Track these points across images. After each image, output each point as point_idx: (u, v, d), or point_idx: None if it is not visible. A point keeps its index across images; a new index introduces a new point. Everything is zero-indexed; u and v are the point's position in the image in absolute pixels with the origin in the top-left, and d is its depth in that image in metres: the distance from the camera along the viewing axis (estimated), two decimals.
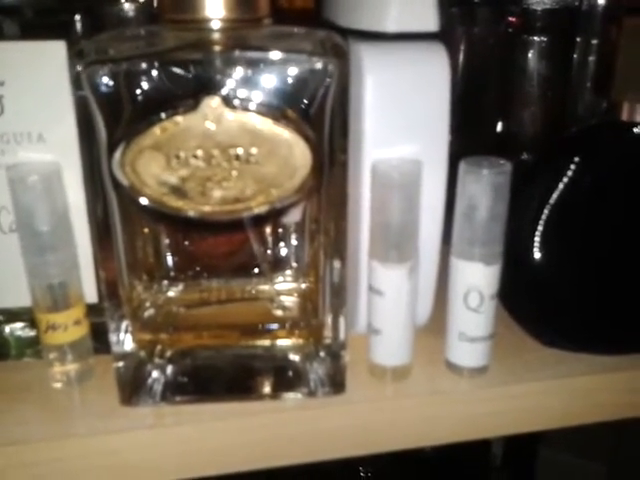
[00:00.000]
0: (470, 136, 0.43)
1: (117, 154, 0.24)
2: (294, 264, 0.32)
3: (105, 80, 0.24)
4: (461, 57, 0.45)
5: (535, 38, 0.41)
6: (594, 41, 0.41)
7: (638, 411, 0.33)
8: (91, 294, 0.31)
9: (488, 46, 0.44)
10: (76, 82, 0.24)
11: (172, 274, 0.32)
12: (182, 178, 0.25)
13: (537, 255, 0.32)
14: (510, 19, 0.42)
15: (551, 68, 0.41)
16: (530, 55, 0.41)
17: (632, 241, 0.32)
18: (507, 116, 0.43)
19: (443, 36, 0.30)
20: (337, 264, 0.29)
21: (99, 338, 0.31)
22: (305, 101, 0.25)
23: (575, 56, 0.42)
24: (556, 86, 0.42)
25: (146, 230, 0.30)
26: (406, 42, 0.29)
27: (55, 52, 0.27)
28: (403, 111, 0.29)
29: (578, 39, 0.42)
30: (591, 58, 0.41)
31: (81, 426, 0.28)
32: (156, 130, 0.24)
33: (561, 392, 0.31)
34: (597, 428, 0.33)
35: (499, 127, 0.44)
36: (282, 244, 0.32)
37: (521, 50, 0.41)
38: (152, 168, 0.24)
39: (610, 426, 0.34)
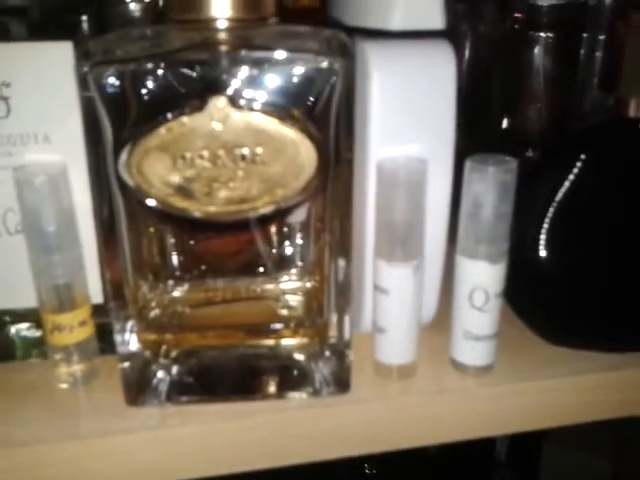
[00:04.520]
0: (475, 133, 0.43)
1: (123, 155, 0.24)
2: (299, 263, 0.32)
3: (111, 80, 0.24)
4: (466, 54, 0.45)
5: (541, 34, 0.40)
6: (601, 37, 0.41)
7: None
8: (97, 294, 0.31)
9: (494, 43, 0.44)
10: (82, 83, 0.24)
11: (177, 274, 0.32)
12: (188, 179, 0.25)
13: (543, 253, 0.32)
14: (516, 15, 0.41)
15: (557, 65, 0.41)
16: (536, 51, 0.41)
17: (638, 239, 0.31)
18: (513, 113, 0.43)
19: (448, 33, 0.30)
20: (342, 263, 0.29)
21: (105, 338, 0.31)
22: (311, 100, 0.25)
23: (582, 52, 0.42)
24: (562, 83, 0.42)
25: (152, 230, 0.30)
26: (412, 40, 0.29)
27: (62, 53, 0.27)
28: (409, 109, 0.28)
29: (585, 35, 0.42)
30: (598, 54, 0.41)
31: (86, 427, 0.28)
32: (162, 131, 0.24)
33: (568, 390, 0.31)
34: (602, 425, 0.33)
35: (505, 124, 0.43)
36: (287, 243, 0.32)
37: (527, 47, 0.41)
38: (158, 169, 0.24)
39: (615, 423, 0.33)
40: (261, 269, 0.32)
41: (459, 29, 0.44)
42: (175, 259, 0.32)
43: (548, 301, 0.33)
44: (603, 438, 0.61)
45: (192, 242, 0.32)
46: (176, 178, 0.24)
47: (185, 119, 0.24)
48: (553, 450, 0.63)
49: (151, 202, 0.25)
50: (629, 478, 0.61)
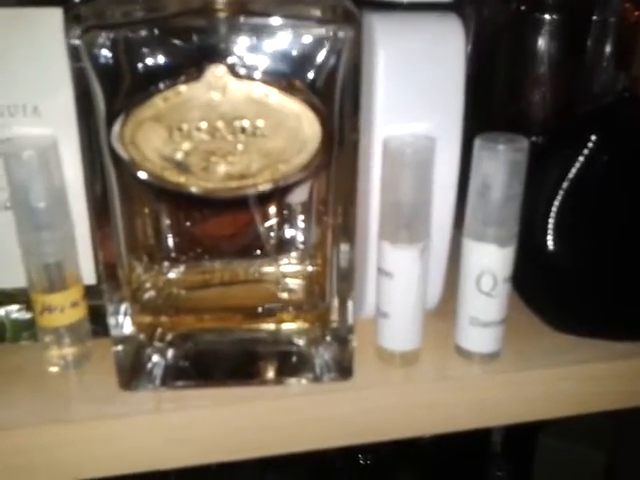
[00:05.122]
0: (480, 119, 0.42)
1: (116, 126, 0.23)
2: (300, 246, 0.31)
3: (104, 48, 0.23)
4: (471, 37, 0.44)
5: (548, 17, 0.39)
6: (612, 19, 0.40)
7: None
8: (89, 275, 0.30)
9: (499, 25, 0.43)
10: (73, 51, 0.23)
11: (173, 255, 0.31)
12: (185, 152, 0.23)
13: (552, 238, 0.31)
14: None
15: (565, 48, 0.40)
16: (543, 34, 0.39)
17: None
18: (518, 98, 0.42)
19: (456, 6, 0.29)
20: (345, 246, 0.27)
21: (98, 321, 0.30)
22: (315, 71, 0.23)
23: (591, 35, 0.41)
24: (570, 67, 0.40)
25: (147, 209, 0.29)
26: (420, 12, 0.28)
27: (51, 19, 0.25)
28: (416, 85, 0.27)
29: (594, 18, 0.41)
30: (609, 37, 0.40)
31: (77, 411, 0.27)
32: (157, 100, 0.23)
33: (575, 379, 0.30)
34: (598, 417, 0.33)
35: (510, 109, 0.42)
36: (288, 225, 0.31)
37: (533, 29, 0.40)
38: (153, 141, 0.23)
39: (611, 415, 0.33)
40: (260, 251, 0.31)
41: (463, 12, 0.43)
42: (171, 240, 0.30)
43: (556, 288, 0.32)
44: (599, 430, 0.60)
45: (189, 223, 0.31)
46: (172, 151, 0.23)
47: (182, 88, 0.22)
48: (549, 441, 0.62)
49: (145, 176, 0.24)
50: (624, 470, 0.61)
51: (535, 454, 0.63)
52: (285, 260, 0.31)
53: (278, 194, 0.30)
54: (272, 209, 0.30)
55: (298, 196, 0.30)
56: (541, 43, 0.40)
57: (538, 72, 0.40)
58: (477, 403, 0.30)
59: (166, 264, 0.31)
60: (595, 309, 0.31)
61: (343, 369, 0.29)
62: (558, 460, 0.62)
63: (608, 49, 0.40)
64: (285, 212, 0.31)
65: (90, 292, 0.30)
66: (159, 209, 0.30)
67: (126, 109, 0.23)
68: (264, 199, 0.29)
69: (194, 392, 0.28)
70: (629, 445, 0.60)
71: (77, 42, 0.23)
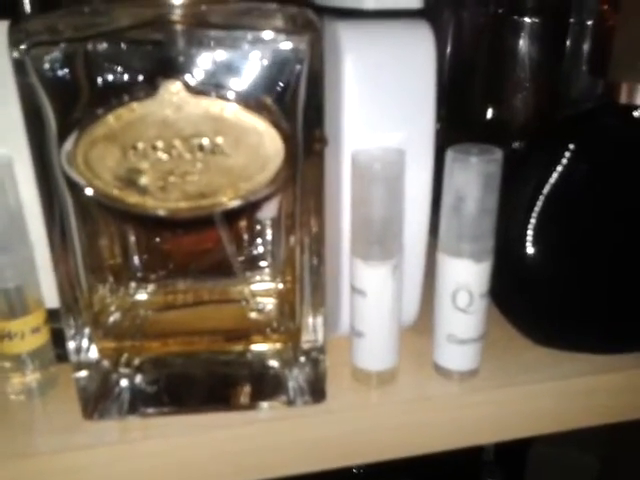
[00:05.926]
0: (458, 125, 0.41)
1: (67, 146, 0.22)
2: (270, 263, 0.30)
3: (53, 63, 0.22)
4: (449, 41, 0.43)
5: (527, 19, 0.38)
6: (589, 22, 0.39)
7: (638, 412, 0.31)
8: (53, 299, 0.29)
9: (477, 29, 0.42)
10: (19, 66, 0.22)
11: (140, 275, 0.29)
12: (140, 171, 0.22)
13: (530, 249, 0.30)
14: None
15: (544, 51, 0.39)
16: (521, 38, 0.39)
17: (631, 234, 0.30)
18: (498, 103, 0.41)
19: (430, 19, 0.28)
20: (315, 262, 0.26)
21: (63, 345, 0.28)
22: (275, 84, 0.22)
23: (569, 38, 0.40)
24: (549, 70, 0.40)
25: (112, 228, 0.28)
26: (388, 20, 0.27)
27: (1, 33, 0.24)
28: (385, 95, 0.26)
29: (572, 20, 0.40)
30: (586, 40, 0.39)
31: (41, 442, 0.26)
32: (110, 118, 0.21)
33: (557, 394, 0.30)
34: None
35: (489, 115, 0.42)
36: (258, 242, 0.30)
37: (512, 32, 0.39)
38: (107, 161, 0.22)
39: None
40: (230, 270, 0.30)
41: (441, 15, 0.43)
42: (137, 259, 0.29)
43: (536, 300, 0.31)
44: (593, 436, 0.60)
45: (156, 240, 0.30)
46: (127, 171, 0.22)
47: (135, 105, 0.21)
48: (542, 448, 0.61)
49: (100, 197, 0.23)
50: (619, 477, 0.60)
51: (528, 461, 0.63)
52: (256, 278, 0.30)
53: (247, 210, 0.29)
54: (241, 226, 0.29)
55: (267, 211, 0.29)
56: (520, 46, 0.39)
57: (517, 77, 0.40)
58: (457, 422, 0.29)
59: (133, 284, 0.29)
60: (576, 322, 0.31)
61: (316, 392, 0.28)
62: (551, 467, 0.61)
63: (585, 52, 0.40)
64: (257, 228, 0.30)
65: (55, 315, 0.28)
66: (125, 227, 0.28)
67: (78, 128, 0.22)
68: (231, 216, 0.28)
69: (162, 420, 0.27)
70: (624, 452, 0.59)
71: (23, 57, 0.22)
